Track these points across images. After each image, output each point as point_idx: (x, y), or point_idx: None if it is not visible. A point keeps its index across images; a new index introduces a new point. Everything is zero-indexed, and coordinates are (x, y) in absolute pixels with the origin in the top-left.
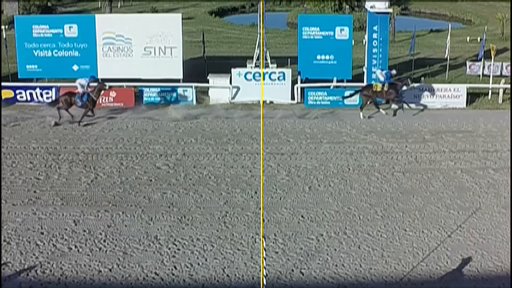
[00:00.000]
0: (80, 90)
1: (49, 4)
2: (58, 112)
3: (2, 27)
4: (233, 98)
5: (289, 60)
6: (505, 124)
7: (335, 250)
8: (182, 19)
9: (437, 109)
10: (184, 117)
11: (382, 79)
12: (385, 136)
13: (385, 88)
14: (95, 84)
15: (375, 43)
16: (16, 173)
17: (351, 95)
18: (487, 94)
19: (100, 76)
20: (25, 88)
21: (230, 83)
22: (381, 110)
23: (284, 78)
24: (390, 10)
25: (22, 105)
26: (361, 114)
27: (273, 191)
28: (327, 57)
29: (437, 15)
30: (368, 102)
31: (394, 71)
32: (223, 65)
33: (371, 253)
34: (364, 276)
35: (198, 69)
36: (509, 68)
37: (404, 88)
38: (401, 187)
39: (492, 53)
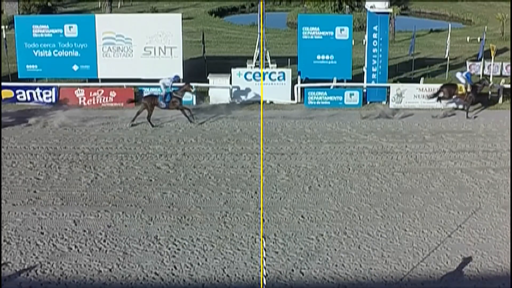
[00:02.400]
0: (163, 91)
1: (49, 4)
2: (136, 114)
3: (2, 27)
4: (233, 98)
5: (289, 60)
6: (505, 124)
7: (335, 250)
8: (182, 19)
9: (437, 109)
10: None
11: (463, 81)
12: (385, 136)
13: (468, 89)
14: (177, 83)
15: (375, 43)
16: (16, 173)
17: (435, 95)
18: (487, 94)
19: (100, 76)
20: (25, 88)
21: (230, 83)
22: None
23: (284, 78)
24: (390, 10)
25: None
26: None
27: (273, 191)
28: (327, 57)
29: (437, 15)
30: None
31: (473, 71)
32: (223, 65)
33: (371, 253)
34: (364, 276)
35: (198, 69)
36: (509, 68)
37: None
38: (401, 187)
39: (492, 53)
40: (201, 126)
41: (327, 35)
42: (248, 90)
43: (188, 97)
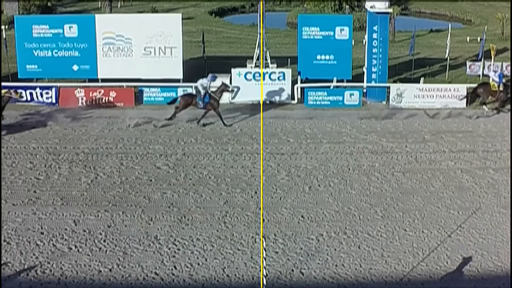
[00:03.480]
0: (202, 91)
1: (49, 4)
2: (174, 112)
3: (2, 27)
4: (233, 98)
5: (289, 60)
6: (505, 124)
7: (335, 250)
8: (182, 19)
9: (437, 109)
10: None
11: (497, 80)
12: (385, 136)
13: (501, 88)
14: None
15: (375, 43)
16: (16, 173)
17: (473, 93)
18: None
19: (100, 76)
20: (25, 88)
21: (230, 83)
22: (484, 107)
23: (284, 78)
24: (390, 10)
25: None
26: (485, 108)
27: (273, 191)
28: (327, 57)
29: (437, 15)
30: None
31: (506, 72)
32: (223, 65)
33: (371, 253)
34: (364, 276)
35: (198, 69)
36: (509, 68)
37: None
38: (401, 187)
39: (492, 53)
40: (201, 126)
41: (327, 35)
42: (248, 90)
43: None
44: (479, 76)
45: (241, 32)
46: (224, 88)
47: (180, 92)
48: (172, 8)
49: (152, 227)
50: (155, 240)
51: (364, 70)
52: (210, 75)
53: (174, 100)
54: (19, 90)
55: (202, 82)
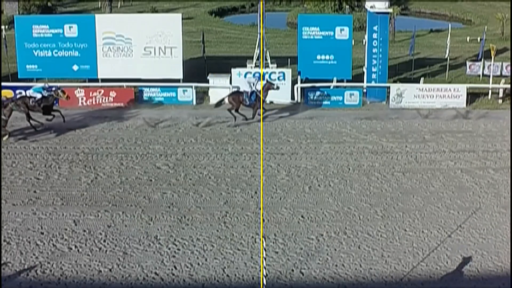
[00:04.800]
0: (248, 88)
1: (49, 4)
2: (230, 113)
3: (2, 27)
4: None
5: (289, 60)
6: (505, 124)
7: (335, 250)
8: (182, 19)
9: (437, 109)
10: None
11: None
12: (385, 136)
13: None
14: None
15: (375, 43)
16: (16, 173)
17: None
18: (487, 94)
19: (100, 76)
20: (25, 88)
21: (230, 83)
22: None
23: (284, 78)
24: (390, 10)
25: None
26: None
27: (273, 191)
28: (327, 57)
29: (437, 15)
30: None
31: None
32: (223, 65)
33: (371, 253)
34: (364, 276)
35: (198, 69)
36: (509, 68)
37: None
38: (401, 187)
39: (492, 53)
40: (201, 126)
41: (327, 35)
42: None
43: (188, 97)
44: (479, 76)
45: (241, 32)
46: (269, 86)
47: (180, 92)
48: (172, 8)
49: (152, 227)
50: (155, 240)
51: (364, 70)
52: (257, 75)
53: (221, 101)
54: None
55: (250, 80)
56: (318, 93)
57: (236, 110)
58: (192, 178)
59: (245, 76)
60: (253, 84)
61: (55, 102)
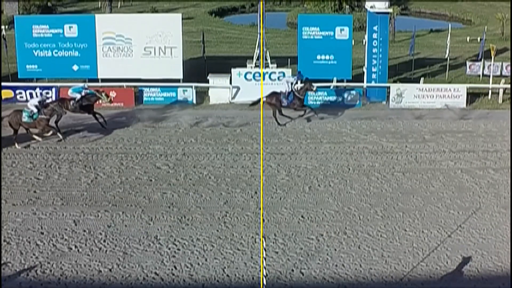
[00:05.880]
0: (285, 89)
1: (49, 4)
2: (275, 118)
3: (2, 27)
4: (233, 98)
5: (289, 60)
6: (505, 124)
7: (335, 250)
8: (182, 19)
9: (437, 109)
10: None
11: None
12: (385, 136)
13: None
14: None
15: (375, 43)
16: (16, 173)
17: None
18: (487, 94)
19: (100, 76)
20: (25, 88)
21: (230, 83)
22: None
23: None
24: (390, 10)
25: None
26: None
27: (273, 191)
28: (327, 57)
29: (437, 15)
30: None
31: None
32: (223, 65)
33: (371, 253)
34: (364, 276)
35: (198, 69)
36: (509, 68)
37: None
38: (401, 187)
39: (492, 53)
40: (201, 126)
41: (327, 35)
42: (248, 90)
43: (188, 97)
44: (479, 76)
45: (241, 32)
46: (308, 87)
47: (180, 92)
48: (172, 8)
49: (152, 227)
50: (155, 240)
51: (364, 70)
52: (297, 73)
53: (257, 101)
54: (104, 92)
55: (288, 79)
56: (318, 93)
57: (279, 112)
58: (192, 178)
59: (245, 76)
60: (292, 84)
61: (95, 103)
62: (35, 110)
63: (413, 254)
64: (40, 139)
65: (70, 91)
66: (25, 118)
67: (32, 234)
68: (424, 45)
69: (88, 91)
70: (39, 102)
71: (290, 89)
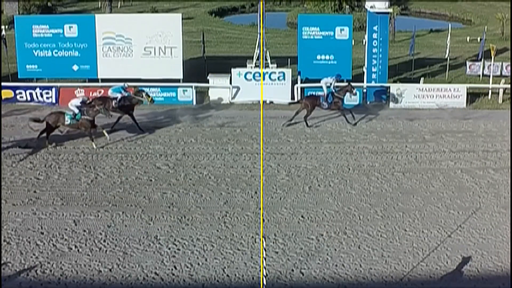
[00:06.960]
0: (325, 91)
1: (49, 4)
2: (305, 121)
3: (2, 27)
4: (233, 98)
5: (289, 60)
6: (505, 124)
7: (335, 250)
8: (182, 19)
9: (437, 109)
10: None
11: None
12: (385, 136)
13: None
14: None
15: (375, 43)
16: (16, 173)
17: None
18: (487, 94)
19: (100, 76)
20: (25, 88)
21: (230, 83)
22: None
23: (284, 78)
24: (390, 10)
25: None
26: None
27: (273, 191)
28: (327, 57)
29: (437, 15)
30: None
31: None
32: (223, 65)
33: (371, 253)
34: (364, 276)
35: (198, 69)
36: (509, 68)
37: None
38: (401, 187)
39: (492, 53)
40: (201, 126)
41: (327, 35)
42: (248, 90)
43: (188, 97)
44: (479, 76)
45: (241, 32)
46: (348, 88)
47: (180, 92)
48: (172, 8)
49: (152, 227)
50: (155, 240)
51: (364, 70)
52: (336, 75)
53: (296, 102)
54: (150, 94)
55: (327, 81)
56: (318, 93)
57: (309, 114)
58: (192, 178)
59: (245, 76)
60: (331, 85)
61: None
62: (77, 111)
63: (413, 254)
64: (108, 136)
65: (110, 91)
66: (67, 120)
67: (32, 234)
68: (424, 45)
69: (126, 93)
70: (82, 102)
71: (329, 91)
